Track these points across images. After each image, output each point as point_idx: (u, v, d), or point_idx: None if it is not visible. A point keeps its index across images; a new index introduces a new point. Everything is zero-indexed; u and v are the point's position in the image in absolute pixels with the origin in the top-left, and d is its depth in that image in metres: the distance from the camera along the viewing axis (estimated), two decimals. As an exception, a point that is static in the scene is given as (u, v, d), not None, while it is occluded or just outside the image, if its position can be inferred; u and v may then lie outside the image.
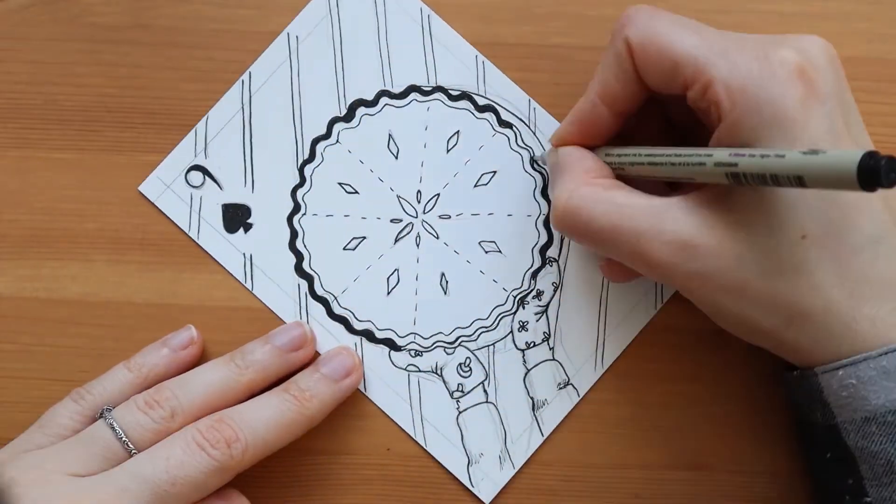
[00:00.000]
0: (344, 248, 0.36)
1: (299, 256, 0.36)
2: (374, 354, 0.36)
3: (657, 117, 0.33)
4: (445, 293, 0.36)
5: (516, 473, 0.36)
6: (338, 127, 0.36)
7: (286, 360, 0.34)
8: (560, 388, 0.36)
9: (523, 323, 0.36)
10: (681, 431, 0.36)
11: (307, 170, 0.36)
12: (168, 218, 0.36)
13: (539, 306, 0.36)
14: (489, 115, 0.36)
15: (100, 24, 0.37)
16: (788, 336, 0.29)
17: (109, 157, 0.37)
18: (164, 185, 0.36)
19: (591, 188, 0.30)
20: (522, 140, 0.36)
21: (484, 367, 0.36)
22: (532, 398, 0.36)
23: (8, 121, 0.37)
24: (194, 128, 0.36)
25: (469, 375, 0.36)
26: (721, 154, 0.27)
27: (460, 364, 0.36)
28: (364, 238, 0.36)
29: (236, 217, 0.36)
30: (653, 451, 0.36)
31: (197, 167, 0.36)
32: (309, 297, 0.36)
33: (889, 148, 0.36)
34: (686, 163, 0.28)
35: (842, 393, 0.28)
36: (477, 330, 0.36)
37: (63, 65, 0.37)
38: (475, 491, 0.35)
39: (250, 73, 0.36)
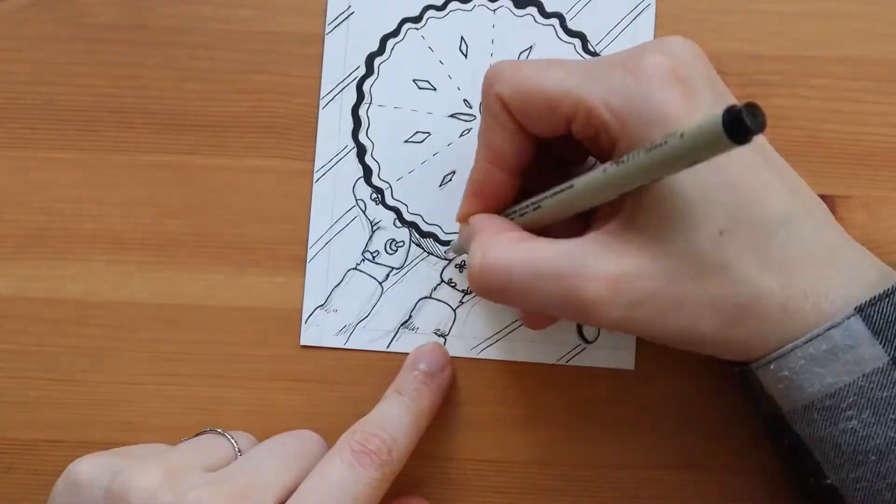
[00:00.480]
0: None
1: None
2: (351, 172, 0.36)
3: (553, 167, 0.33)
4: None
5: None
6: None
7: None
8: (435, 333, 0.36)
9: (462, 265, 0.36)
10: (680, 431, 0.36)
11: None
12: None
13: None
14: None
15: (100, 24, 0.37)
16: (733, 336, 0.28)
17: (109, 157, 0.37)
18: None
19: (505, 242, 0.30)
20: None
21: (405, 261, 0.36)
22: (410, 316, 0.36)
23: (8, 121, 0.37)
24: None
25: (391, 255, 0.36)
26: (603, 166, 0.27)
27: (393, 240, 0.36)
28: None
29: None
30: (653, 451, 0.36)
31: None
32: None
33: (889, 148, 0.36)
34: (588, 185, 0.28)
35: (778, 385, 0.29)
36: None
37: (63, 65, 0.37)
38: (303, 327, 0.36)
39: None
